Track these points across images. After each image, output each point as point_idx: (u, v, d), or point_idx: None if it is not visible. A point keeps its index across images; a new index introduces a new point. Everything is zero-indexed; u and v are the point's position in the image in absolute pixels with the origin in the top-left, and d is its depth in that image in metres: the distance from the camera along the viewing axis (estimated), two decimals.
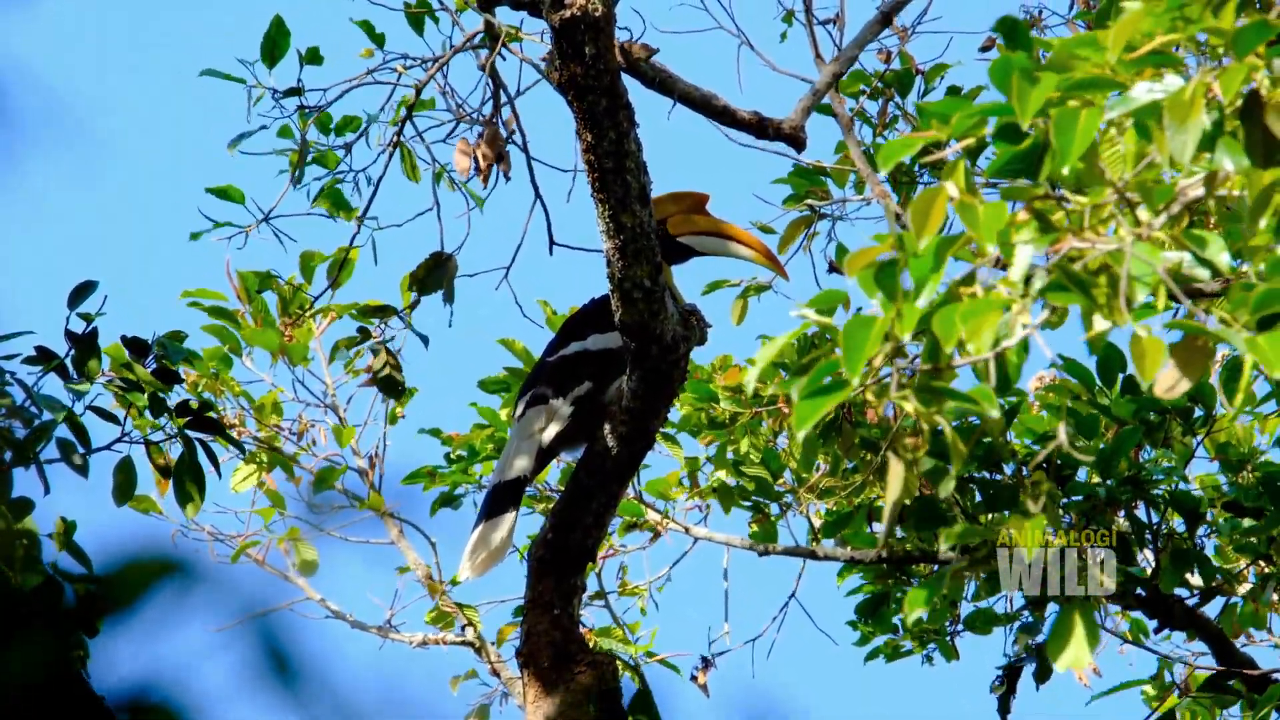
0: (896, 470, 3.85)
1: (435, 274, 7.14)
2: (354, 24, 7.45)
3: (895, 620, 8.13)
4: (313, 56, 7.39)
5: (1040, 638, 7.34)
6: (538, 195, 7.26)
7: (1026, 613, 7.57)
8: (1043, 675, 7.29)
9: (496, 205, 7.48)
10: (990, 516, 6.95)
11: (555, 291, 8.71)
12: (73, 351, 6.35)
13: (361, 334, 7.35)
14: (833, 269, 8.53)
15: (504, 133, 7.24)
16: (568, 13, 6.12)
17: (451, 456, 8.84)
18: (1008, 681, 7.47)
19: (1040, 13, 8.63)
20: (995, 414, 3.82)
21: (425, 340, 7.24)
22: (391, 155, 7.47)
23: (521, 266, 7.32)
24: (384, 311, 7.31)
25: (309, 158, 7.46)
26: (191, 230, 7.43)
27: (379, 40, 7.45)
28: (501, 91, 7.30)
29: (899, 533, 7.80)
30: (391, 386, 7.29)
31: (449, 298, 7.12)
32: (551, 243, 7.23)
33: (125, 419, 6.51)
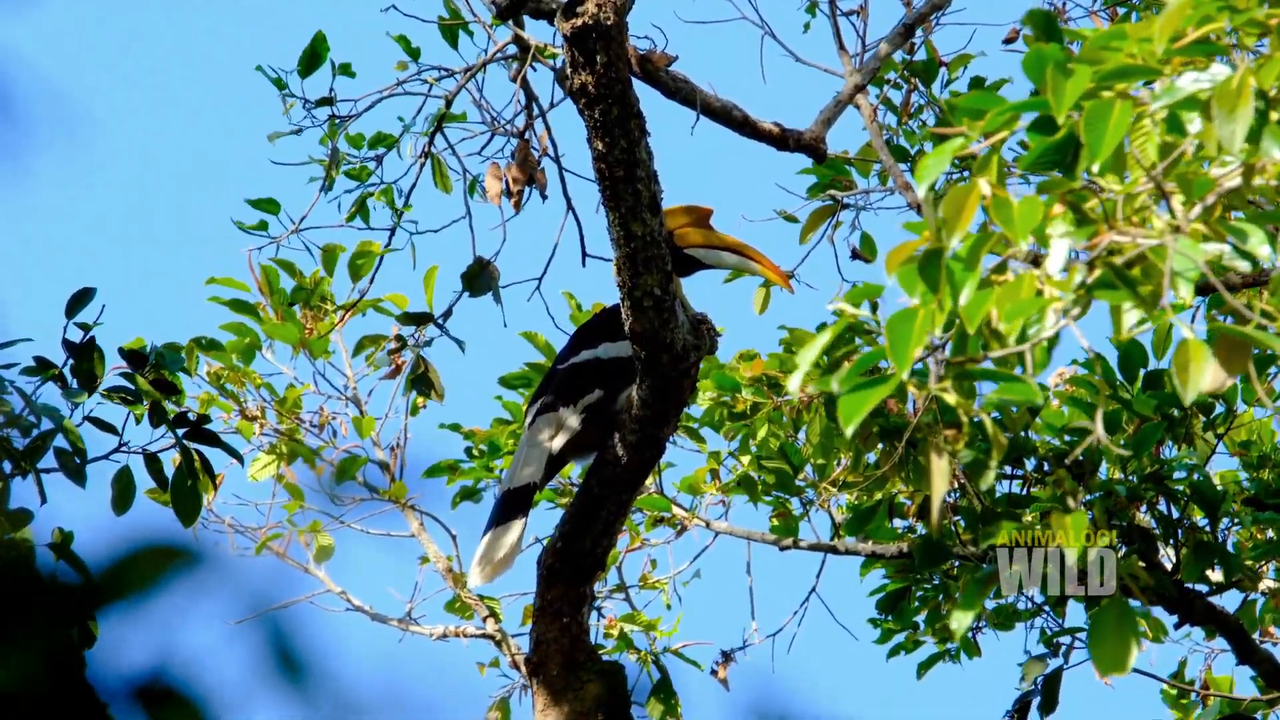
0: (939, 466, 3.81)
1: (482, 277, 7.15)
2: (391, 38, 7.45)
3: (918, 620, 8.11)
4: (345, 70, 7.40)
5: (1047, 670, 7.32)
6: (570, 207, 7.25)
7: (1048, 611, 7.55)
8: (1049, 707, 7.27)
9: (529, 214, 7.49)
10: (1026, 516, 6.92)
11: (587, 302, 8.73)
12: (70, 361, 6.30)
13: (398, 341, 7.36)
14: (855, 256, 8.50)
15: (536, 150, 7.23)
16: (579, 21, 6.10)
17: (474, 452, 8.82)
18: (1018, 716, 7.44)
19: (1064, 5, 8.60)
20: (1037, 399, 3.78)
21: (461, 345, 7.24)
22: (423, 167, 7.46)
23: (554, 275, 7.32)
24: (422, 319, 7.32)
25: (342, 170, 7.48)
26: (219, 240, 7.46)
27: (414, 54, 7.44)
28: (534, 104, 7.30)
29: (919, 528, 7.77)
30: (427, 387, 7.29)
31: (498, 298, 7.14)
32: (584, 254, 7.22)
33: (123, 428, 6.45)
